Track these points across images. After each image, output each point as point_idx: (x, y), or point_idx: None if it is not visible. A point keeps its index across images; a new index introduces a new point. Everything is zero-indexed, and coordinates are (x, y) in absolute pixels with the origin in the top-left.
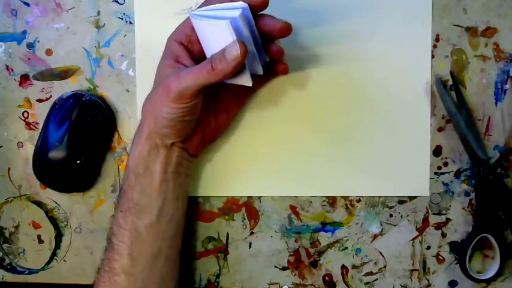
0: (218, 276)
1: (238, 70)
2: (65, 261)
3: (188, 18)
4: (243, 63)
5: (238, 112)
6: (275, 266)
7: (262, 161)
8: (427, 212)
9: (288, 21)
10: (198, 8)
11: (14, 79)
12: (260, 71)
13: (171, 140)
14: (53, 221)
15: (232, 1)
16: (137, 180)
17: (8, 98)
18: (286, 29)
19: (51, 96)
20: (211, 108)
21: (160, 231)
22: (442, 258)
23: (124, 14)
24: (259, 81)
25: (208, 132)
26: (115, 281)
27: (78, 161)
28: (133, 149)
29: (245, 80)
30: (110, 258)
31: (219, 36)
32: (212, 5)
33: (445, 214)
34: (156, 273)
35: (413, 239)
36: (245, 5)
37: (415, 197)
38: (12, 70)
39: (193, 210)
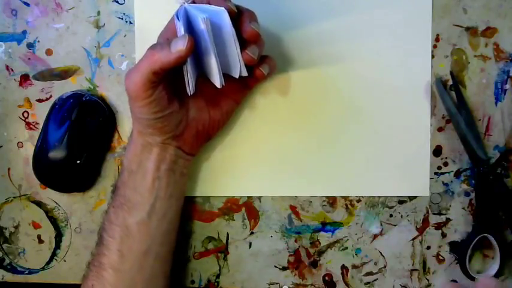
0: (218, 276)
1: (180, 63)
2: (65, 261)
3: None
4: (186, 58)
5: (235, 110)
6: (275, 266)
7: (262, 161)
8: (427, 212)
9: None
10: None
11: (14, 79)
12: (236, 74)
13: (159, 138)
14: (53, 221)
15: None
16: (130, 177)
17: (8, 98)
18: (253, 36)
19: (51, 96)
20: (202, 105)
21: (151, 229)
22: (442, 258)
23: (124, 14)
24: (254, 79)
25: (202, 129)
26: (102, 276)
27: (78, 161)
28: (128, 147)
29: (215, 80)
30: (100, 253)
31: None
32: (199, 5)
33: (445, 214)
34: (145, 270)
35: (413, 239)
36: (221, 9)
37: (415, 197)
38: (12, 70)
39: (193, 210)
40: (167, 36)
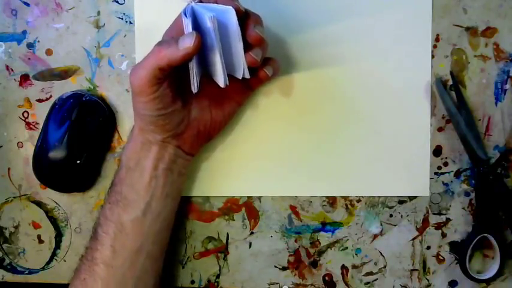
0: (218, 276)
1: (187, 60)
2: (65, 261)
3: (179, 14)
4: (193, 55)
5: (236, 111)
6: (275, 266)
7: (262, 161)
8: (427, 212)
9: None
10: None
11: (14, 79)
12: (239, 75)
13: (160, 136)
14: (53, 221)
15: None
16: (127, 174)
17: (8, 98)
18: (257, 40)
19: (51, 96)
20: (205, 105)
21: (145, 227)
22: (442, 258)
23: (124, 14)
24: (257, 81)
25: (203, 130)
26: (94, 271)
27: (78, 161)
28: (127, 144)
29: (219, 79)
30: (93, 247)
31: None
32: (207, 4)
33: (445, 214)
34: (136, 268)
35: (413, 239)
36: (229, 7)
37: (415, 197)
38: (12, 70)
39: (193, 210)
40: (172, 34)
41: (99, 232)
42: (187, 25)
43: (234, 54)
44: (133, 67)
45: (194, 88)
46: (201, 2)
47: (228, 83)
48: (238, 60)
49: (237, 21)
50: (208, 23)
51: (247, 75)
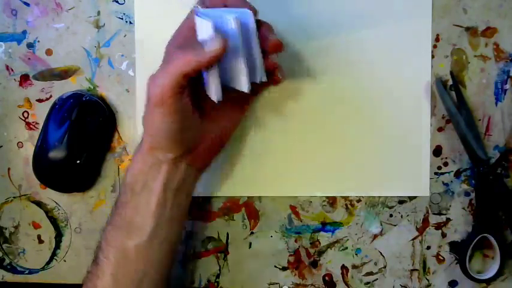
0: (218, 276)
1: (214, 63)
2: (65, 261)
3: (184, 21)
4: (219, 58)
5: (241, 119)
6: (275, 266)
7: (262, 161)
8: (427, 212)
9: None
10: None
11: (14, 79)
12: (257, 80)
13: (172, 154)
14: (53, 221)
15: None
16: (133, 197)
17: (8, 98)
18: (277, 46)
19: (51, 96)
20: (214, 115)
21: (150, 254)
22: (442, 258)
23: (124, 14)
24: (260, 86)
25: (213, 142)
26: None
27: (78, 161)
28: (133, 165)
29: (243, 85)
30: (94, 273)
31: (207, 35)
32: (219, 8)
33: (445, 214)
34: None
35: (413, 239)
36: (246, 10)
37: (415, 197)
38: (12, 70)
39: (193, 210)
40: (178, 43)
41: (100, 257)
42: (207, 26)
43: (252, 58)
44: (151, 77)
45: (218, 97)
46: (206, 8)
47: (251, 87)
48: (256, 64)
49: (255, 23)
50: (233, 25)
51: (265, 79)
